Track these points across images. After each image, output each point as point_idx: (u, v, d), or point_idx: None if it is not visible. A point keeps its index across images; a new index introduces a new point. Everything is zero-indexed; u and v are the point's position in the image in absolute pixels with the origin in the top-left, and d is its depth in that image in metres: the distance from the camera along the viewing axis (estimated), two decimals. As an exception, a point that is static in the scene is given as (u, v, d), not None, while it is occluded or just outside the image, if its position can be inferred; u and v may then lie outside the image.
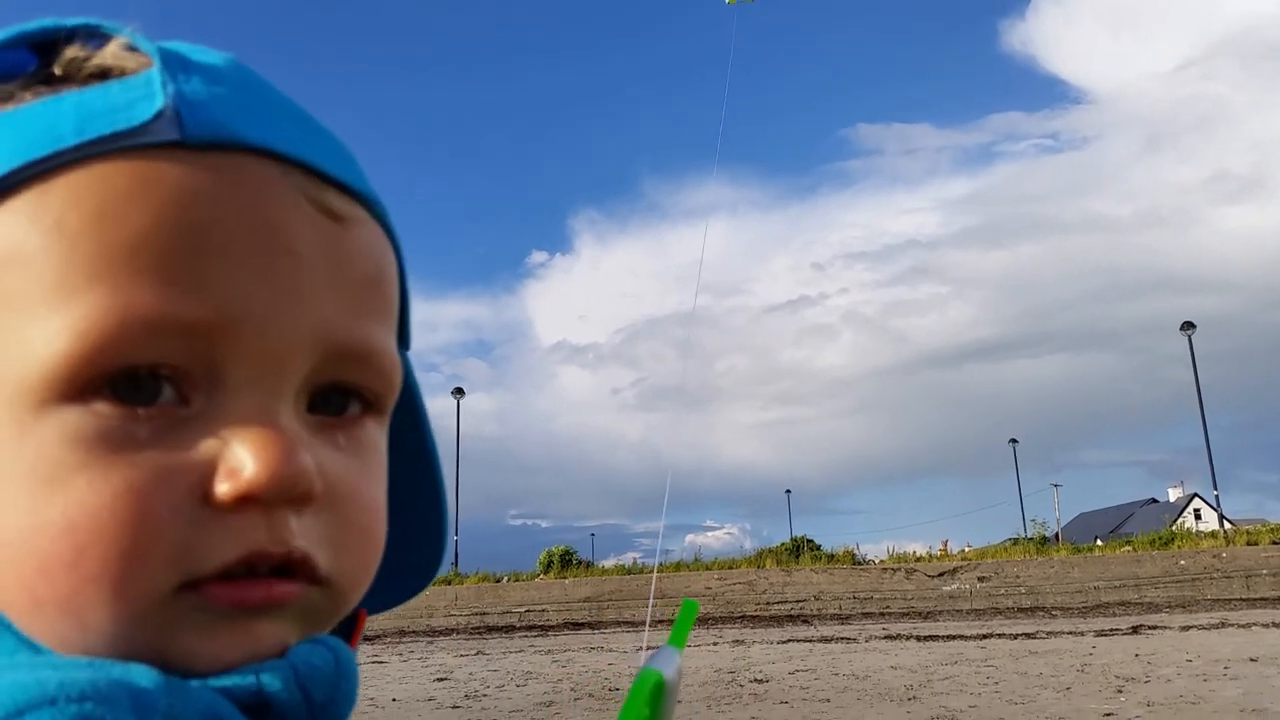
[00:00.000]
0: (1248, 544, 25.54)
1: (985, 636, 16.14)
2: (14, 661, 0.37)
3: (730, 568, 26.58)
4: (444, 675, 13.39)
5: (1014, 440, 56.52)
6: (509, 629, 22.54)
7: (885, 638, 16.59)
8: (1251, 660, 11.27)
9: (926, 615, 21.27)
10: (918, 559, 27.86)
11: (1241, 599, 20.20)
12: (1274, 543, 25.37)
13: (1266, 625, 15.34)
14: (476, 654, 16.74)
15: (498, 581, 28.39)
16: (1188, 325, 33.94)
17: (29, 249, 0.38)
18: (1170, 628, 15.98)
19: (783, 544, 30.71)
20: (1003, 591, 23.04)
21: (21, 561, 0.38)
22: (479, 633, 22.14)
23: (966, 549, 30.79)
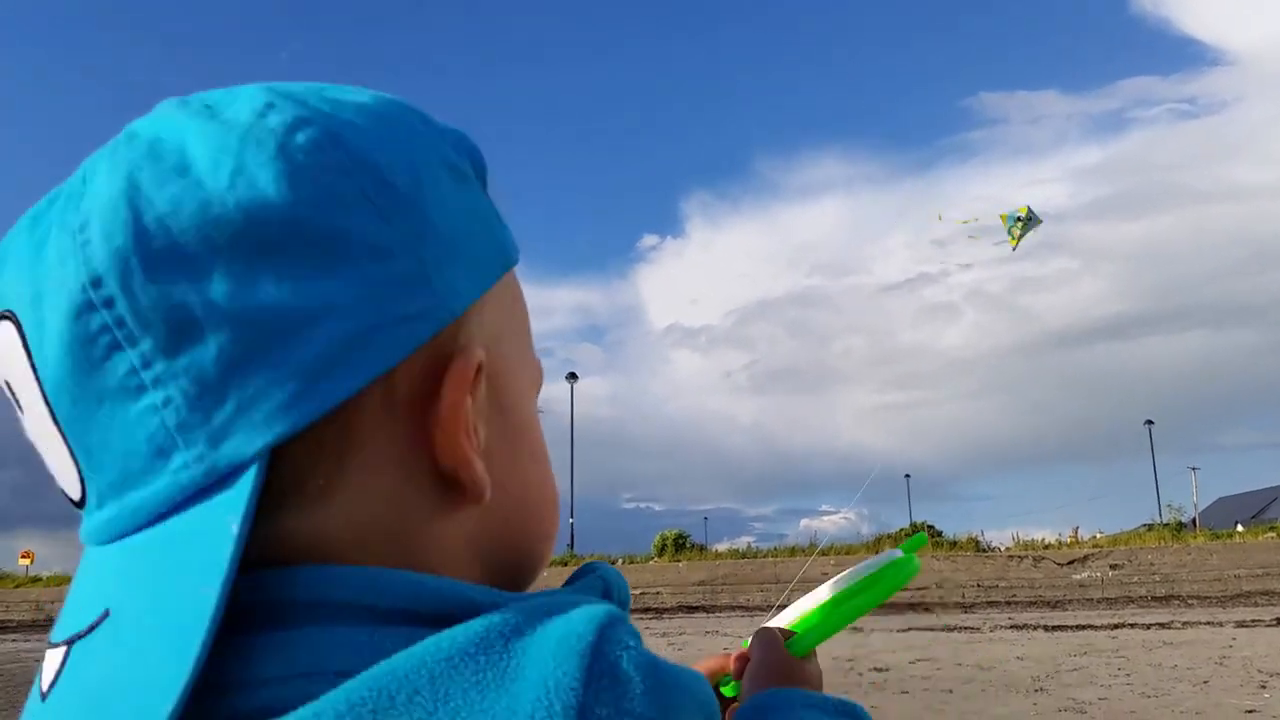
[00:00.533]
0: (1404, 531, 24.10)
1: (1117, 626, 15.59)
2: (569, 600, 0.42)
3: (847, 553, 26.26)
4: (561, 658, 13.57)
5: (1149, 421, 54.57)
6: (625, 612, 22.80)
7: (1011, 627, 16.16)
8: None
9: (1055, 604, 20.65)
10: (1046, 546, 27.07)
11: (1398, 590, 19.07)
12: None
13: None
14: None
15: (612, 564, 28.67)
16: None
17: (518, 317, 0.55)
18: (1319, 619, 15.19)
19: (901, 529, 30.16)
20: (1136, 580, 22.23)
21: (543, 504, 0.54)
22: (596, 615, 22.42)
23: (1098, 536, 29.74)
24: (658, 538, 31.55)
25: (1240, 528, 35.70)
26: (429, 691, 0.36)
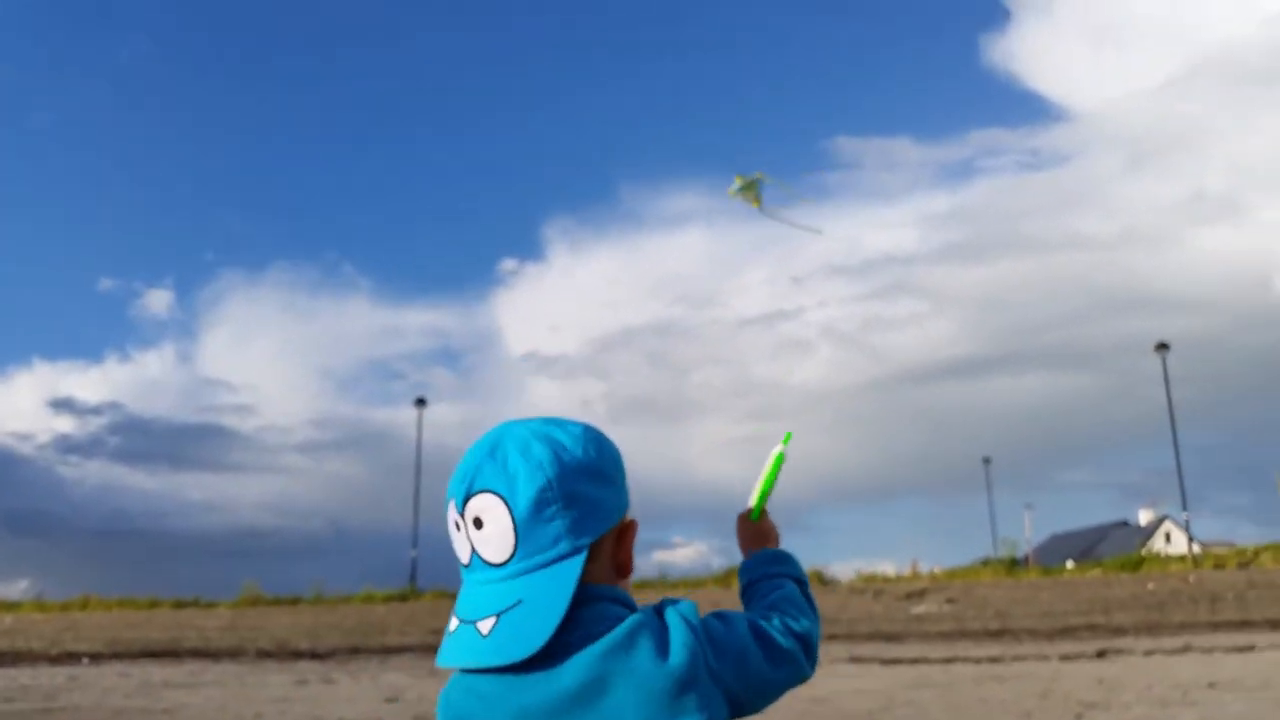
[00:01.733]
0: (1214, 568, 25.57)
1: (950, 660, 15.95)
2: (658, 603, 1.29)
3: (697, 586, 26.34)
4: (394, 696, 13.05)
5: (986, 459, 56.59)
6: (467, 648, 22.07)
7: (850, 660, 16.38)
8: (1210, 686, 11.12)
9: (893, 637, 21.05)
10: (886, 580, 27.72)
11: (1206, 623, 20.10)
12: (1240, 566, 25.41)
13: (1228, 650, 15.23)
14: (431, 674, 16.38)
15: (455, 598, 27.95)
16: (1162, 346, 34.13)
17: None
18: (1135, 652, 15.85)
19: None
20: (971, 614, 22.90)
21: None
22: (434, 651, 21.59)
23: (936, 570, 30.64)
24: (505, 571, 30.89)
25: (1071, 564, 37.36)
26: (645, 630, 1.17)
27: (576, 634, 1.16)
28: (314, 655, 20.95)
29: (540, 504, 1.20)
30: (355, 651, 21.47)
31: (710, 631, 1.22)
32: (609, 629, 1.17)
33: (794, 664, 1.30)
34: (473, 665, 1.20)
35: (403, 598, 28.72)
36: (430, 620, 24.98)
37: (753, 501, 1.64)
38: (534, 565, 1.20)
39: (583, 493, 1.23)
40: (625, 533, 1.30)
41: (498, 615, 1.17)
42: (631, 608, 1.24)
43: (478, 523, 1.22)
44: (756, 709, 1.26)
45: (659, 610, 1.22)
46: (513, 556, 1.20)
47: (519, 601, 1.17)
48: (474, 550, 1.23)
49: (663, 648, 1.16)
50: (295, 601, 29.27)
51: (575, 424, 1.31)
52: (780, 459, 1.67)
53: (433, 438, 40.84)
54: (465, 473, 1.25)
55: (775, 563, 1.51)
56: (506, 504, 1.20)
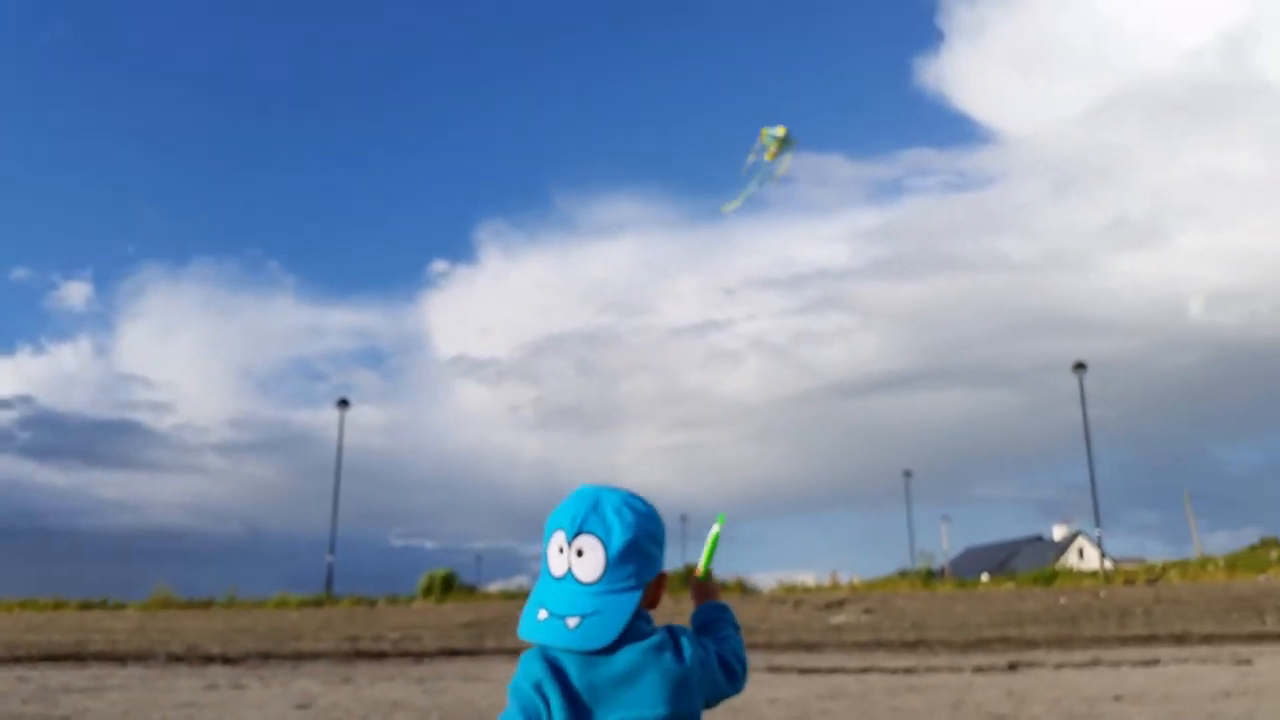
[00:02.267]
0: (1125, 584, 26.24)
1: (866, 670, 16.08)
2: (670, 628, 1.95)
3: (619, 595, 26.17)
4: (305, 703, 12.76)
5: (907, 473, 57.38)
6: (381, 655, 21.59)
7: (768, 669, 16.42)
8: (1116, 699, 11.36)
9: (811, 647, 21.19)
10: (806, 590, 27.93)
11: (1115, 637, 20.58)
12: (1148, 582, 26.10)
13: (1134, 664, 15.60)
14: (344, 681, 16.06)
15: (372, 605, 27.44)
16: (1079, 366, 34.94)
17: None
18: (1046, 665, 16.13)
19: (675, 572, 30.38)
20: (888, 624, 23.16)
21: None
22: (348, 659, 21.19)
23: (854, 581, 30.95)
24: (425, 577, 30.21)
25: (986, 577, 38.02)
26: (668, 643, 1.82)
27: (625, 638, 1.75)
28: (225, 660, 20.43)
29: (626, 552, 1.79)
30: (267, 657, 20.96)
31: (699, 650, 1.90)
32: (644, 636, 1.79)
33: (737, 681, 2.01)
34: (561, 646, 1.73)
35: (318, 603, 28.12)
36: (345, 627, 24.50)
37: (700, 568, 2.24)
38: (612, 590, 1.77)
39: (648, 550, 1.84)
40: (660, 581, 1.89)
41: (582, 616, 1.73)
42: (652, 623, 1.86)
43: (580, 552, 1.78)
44: (709, 707, 1.91)
45: (671, 631, 1.86)
46: (598, 581, 1.77)
47: (598, 611, 1.74)
48: (570, 569, 1.79)
49: (679, 655, 1.81)
50: (208, 605, 28.59)
51: (643, 500, 1.91)
52: (717, 535, 2.24)
53: (355, 440, 40.17)
54: (575, 515, 1.82)
55: (722, 610, 2.18)
56: (604, 546, 1.78)
